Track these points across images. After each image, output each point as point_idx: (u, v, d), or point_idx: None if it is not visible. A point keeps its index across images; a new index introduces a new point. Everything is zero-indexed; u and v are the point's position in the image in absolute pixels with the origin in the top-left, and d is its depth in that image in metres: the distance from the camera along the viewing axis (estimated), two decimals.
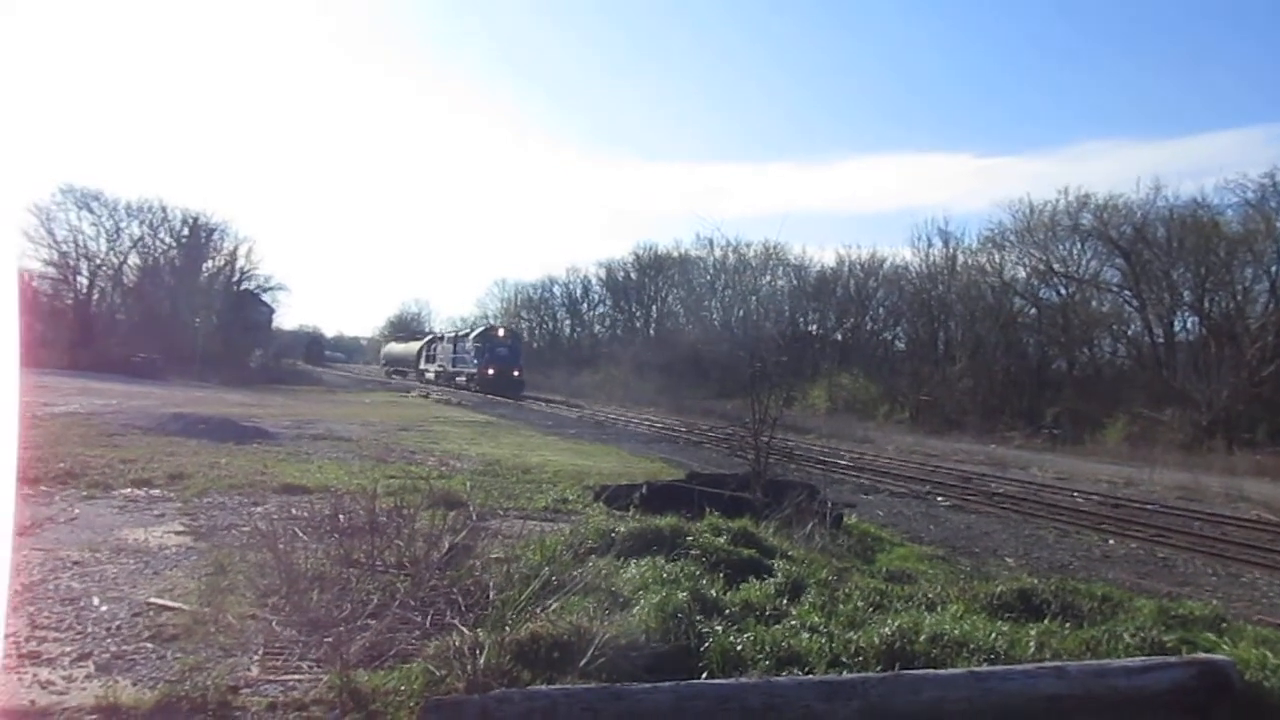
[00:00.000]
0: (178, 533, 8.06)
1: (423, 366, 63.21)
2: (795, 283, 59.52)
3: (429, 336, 69.35)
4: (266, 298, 61.85)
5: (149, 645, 5.01)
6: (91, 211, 50.49)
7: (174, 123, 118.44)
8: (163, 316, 50.47)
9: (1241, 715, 4.76)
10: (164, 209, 53.04)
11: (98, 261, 51.37)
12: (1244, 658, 5.26)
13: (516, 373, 49.50)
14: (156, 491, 10.13)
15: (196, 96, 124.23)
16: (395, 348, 76.65)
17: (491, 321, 65.69)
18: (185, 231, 54.38)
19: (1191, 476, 22.47)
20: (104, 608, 5.62)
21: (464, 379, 51.66)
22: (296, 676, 4.65)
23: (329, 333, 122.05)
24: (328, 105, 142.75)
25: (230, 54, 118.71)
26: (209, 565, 6.65)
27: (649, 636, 5.00)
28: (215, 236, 56.30)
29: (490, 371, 48.64)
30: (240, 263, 57.71)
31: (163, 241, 54.02)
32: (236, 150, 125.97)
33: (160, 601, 5.77)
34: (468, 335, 55.17)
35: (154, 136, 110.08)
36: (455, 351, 55.53)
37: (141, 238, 52.75)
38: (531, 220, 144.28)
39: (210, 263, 57.09)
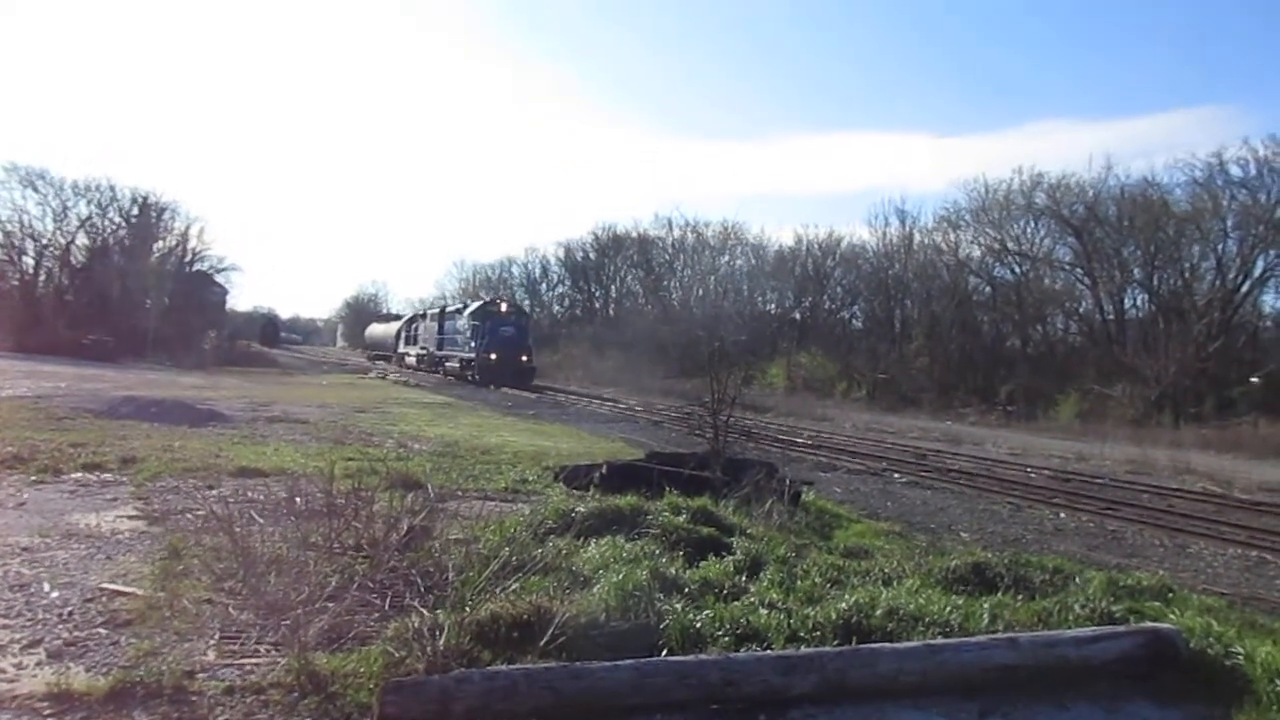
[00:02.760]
0: (131, 517, 7.91)
1: (403, 350, 55.76)
2: (754, 262, 60.09)
3: (409, 315, 61.82)
4: (220, 279, 60.68)
5: (102, 631, 4.93)
6: (37, 190, 49.20)
7: (121, 101, 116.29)
8: (113, 298, 49.39)
9: (1187, 682, 4.89)
10: (112, 188, 51.78)
11: (44, 242, 50.10)
12: (1189, 626, 5.39)
13: (525, 357, 40.40)
14: (108, 476, 9.93)
15: (145, 75, 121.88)
16: (377, 329, 69.37)
17: (449, 301, 59.93)
18: (135, 211, 53.15)
19: (1140, 451, 22.96)
20: (55, 594, 5.51)
21: (457, 364, 43.03)
22: (254, 660, 4.60)
23: (285, 315, 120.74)
24: (281, 85, 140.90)
25: (179, 31, 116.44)
26: (163, 550, 6.55)
27: (609, 615, 5.01)
28: (166, 216, 55.12)
29: (493, 356, 39.22)
30: (192, 243, 56.53)
31: (111, 221, 52.75)
32: (187, 131, 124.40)
33: (113, 587, 5.68)
34: (460, 311, 45.53)
35: (101, 114, 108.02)
36: (443, 331, 46.57)
37: (89, 217, 51.46)
38: (489, 201, 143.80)
39: (161, 243, 55.86)
